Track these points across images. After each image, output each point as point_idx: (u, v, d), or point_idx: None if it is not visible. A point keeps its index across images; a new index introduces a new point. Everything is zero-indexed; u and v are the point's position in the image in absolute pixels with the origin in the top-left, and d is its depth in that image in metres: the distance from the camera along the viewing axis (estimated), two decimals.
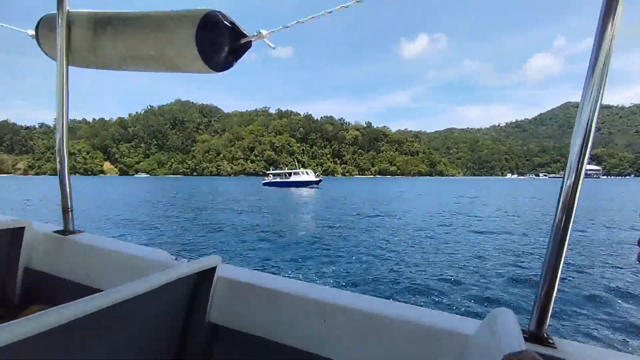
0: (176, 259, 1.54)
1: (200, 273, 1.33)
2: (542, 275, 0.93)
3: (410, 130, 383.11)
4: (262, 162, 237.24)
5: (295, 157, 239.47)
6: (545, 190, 52.22)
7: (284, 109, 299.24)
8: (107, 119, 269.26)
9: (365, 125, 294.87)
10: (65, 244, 1.86)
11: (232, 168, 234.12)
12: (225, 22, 1.37)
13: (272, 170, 75.73)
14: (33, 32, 1.81)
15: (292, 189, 54.16)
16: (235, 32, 1.40)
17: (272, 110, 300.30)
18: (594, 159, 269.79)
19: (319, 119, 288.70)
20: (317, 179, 61.54)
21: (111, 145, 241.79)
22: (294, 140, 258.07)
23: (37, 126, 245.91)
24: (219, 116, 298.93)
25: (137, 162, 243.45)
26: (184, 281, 1.28)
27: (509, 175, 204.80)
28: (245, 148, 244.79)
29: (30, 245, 1.91)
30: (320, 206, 24.97)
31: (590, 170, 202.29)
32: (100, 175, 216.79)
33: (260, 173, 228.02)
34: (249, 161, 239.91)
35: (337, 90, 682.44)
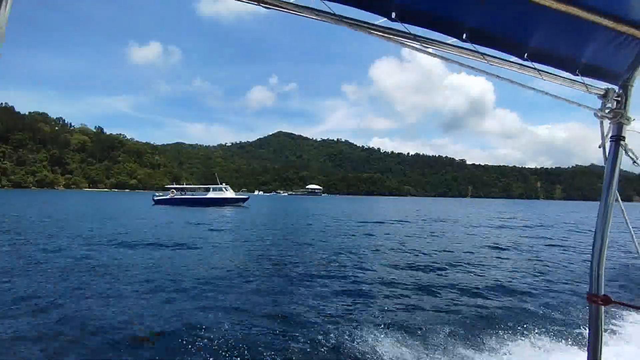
0: None
1: None
2: None
3: (138, 141, 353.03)
4: None
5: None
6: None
7: None
8: None
9: (95, 130, 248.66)
10: None
11: None
12: None
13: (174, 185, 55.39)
14: None
15: (208, 208, 41.68)
16: None
17: None
18: (303, 179, 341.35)
19: (26, 113, 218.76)
20: (245, 196, 51.14)
21: None
22: None
23: None
24: None
25: None
26: None
27: (256, 192, 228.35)
28: None
29: None
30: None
31: (316, 189, 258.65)
32: None
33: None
34: None
35: (39, 80, 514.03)
